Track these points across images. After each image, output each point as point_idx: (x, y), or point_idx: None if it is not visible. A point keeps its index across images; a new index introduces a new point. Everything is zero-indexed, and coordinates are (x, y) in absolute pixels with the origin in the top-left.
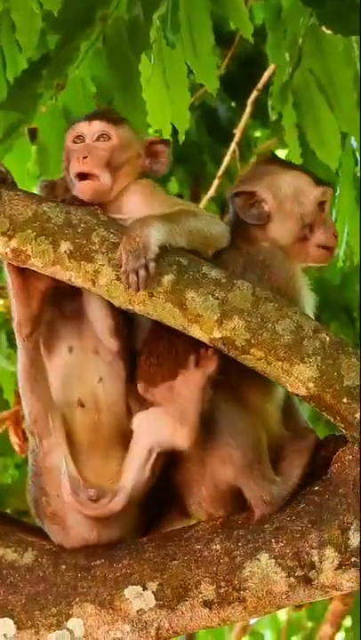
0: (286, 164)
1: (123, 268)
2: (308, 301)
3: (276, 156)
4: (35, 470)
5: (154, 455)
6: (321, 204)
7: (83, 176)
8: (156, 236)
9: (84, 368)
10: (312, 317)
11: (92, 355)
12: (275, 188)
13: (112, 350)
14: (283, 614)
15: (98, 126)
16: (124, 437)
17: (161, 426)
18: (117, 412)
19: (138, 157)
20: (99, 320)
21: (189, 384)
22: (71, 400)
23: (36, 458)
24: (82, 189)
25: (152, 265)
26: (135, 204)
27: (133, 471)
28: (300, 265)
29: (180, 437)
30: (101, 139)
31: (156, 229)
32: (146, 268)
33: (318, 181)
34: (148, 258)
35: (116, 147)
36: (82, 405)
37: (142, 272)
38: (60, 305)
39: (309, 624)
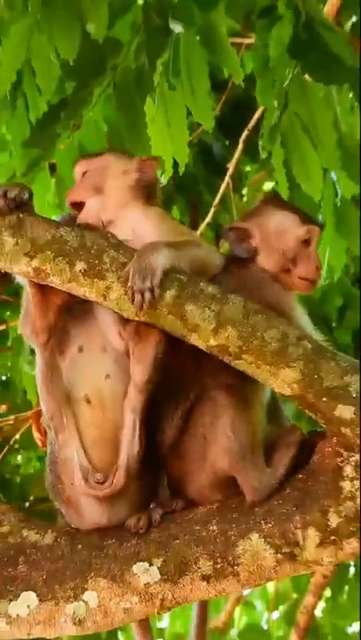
0: (281, 205)
1: (129, 284)
2: (299, 315)
3: (277, 195)
4: (52, 460)
5: (138, 423)
6: (305, 242)
7: (76, 205)
8: (163, 261)
9: (92, 366)
10: (305, 327)
11: (100, 353)
12: (263, 226)
13: (119, 348)
14: (271, 586)
15: (80, 166)
16: None
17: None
18: (122, 407)
19: (124, 174)
20: (107, 321)
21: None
22: (78, 396)
23: (53, 449)
24: (79, 217)
25: (157, 291)
26: (146, 228)
27: (126, 446)
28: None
29: (137, 373)
30: (85, 173)
31: (164, 256)
32: (151, 291)
33: (305, 220)
34: (155, 282)
35: (93, 173)
36: (88, 402)
37: (148, 295)
38: (70, 308)
39: (294, 595)
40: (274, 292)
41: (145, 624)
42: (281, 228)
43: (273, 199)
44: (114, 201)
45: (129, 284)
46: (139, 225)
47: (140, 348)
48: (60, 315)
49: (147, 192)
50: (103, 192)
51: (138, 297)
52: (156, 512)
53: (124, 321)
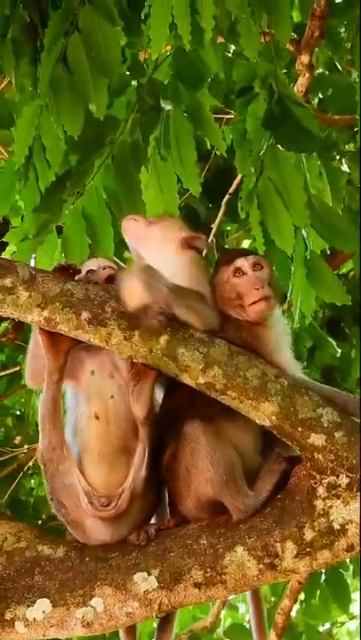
0: (221, 262)
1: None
2: (280, 345)
3: (220, 255)
4: (52, 489)
5: (146, 451)
6: (237, 273)
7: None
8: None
9: (101, 387)
10: (285, 357)
11: (108, 378)
12: (213, 284)
13: (124, 376)
14: None
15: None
16: (128, 449)
17: None
18: (123, 425)
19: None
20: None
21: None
22: (90, 413)
23: (54, 480)
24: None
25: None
26: (175, 266)
27: (133, 471)
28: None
29: (137, 410)
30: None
31: (175, 298)
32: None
33: (229, 260)
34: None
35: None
36: (97, 418)
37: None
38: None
39: (273, 598)
40: (249, 336)
41: (131, 629)
42: (220, 279)
43: (220, 259)
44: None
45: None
46: (170, 261)
47: (138, 388)
48: (68, 356)
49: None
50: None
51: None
52: (152, 527)
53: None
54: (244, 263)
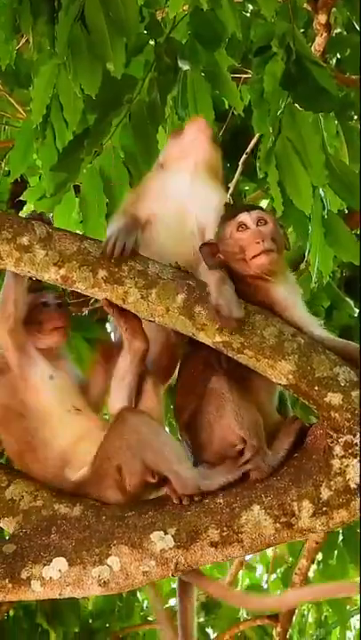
0: (226, 217)
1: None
2: (293, 301)
3: (227, 209)
4: None
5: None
6: (240, 227)
7: None
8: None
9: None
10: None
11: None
12: (220, 239)
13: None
14: (270, 551)
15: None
16: None
17: None
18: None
19: None
20: None
21: None
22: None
23: None
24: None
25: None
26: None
27: None
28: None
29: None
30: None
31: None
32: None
33: (235, 214)
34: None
35: None
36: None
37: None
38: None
39: (290, 559)
40: (259, 294)
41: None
42: (225, 233)
43: (225, 214)
44: None
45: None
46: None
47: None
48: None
49: None
50: None
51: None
52: None
53: None
54: (246, 218)
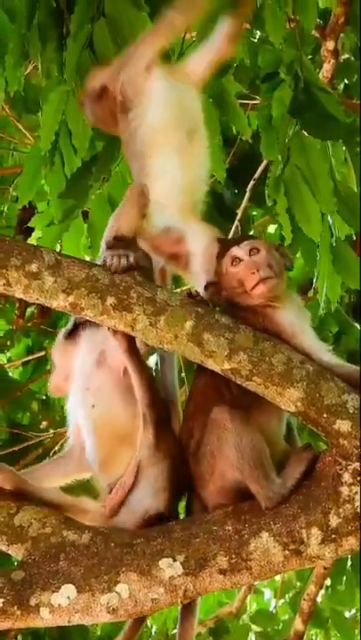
0: (219, 254)
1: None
2: (300, 327)
3: (221, 245)
4: None
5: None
6: (234, 261)
7: None
8: None
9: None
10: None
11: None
12: (221, 277)
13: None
14: (278, 577)
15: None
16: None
17: None
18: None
19: None
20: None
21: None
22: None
23: None
24: None
25: None
26: None
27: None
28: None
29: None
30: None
31: None
32: None
33: (227, 249)
34: None
35: None
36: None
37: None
38: None
39: (299, 584)
40: (266, 321)
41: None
42: (221, 271)
43: (219, 251)
44: None
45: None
46: None
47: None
48: None
49: None
50: None
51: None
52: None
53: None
54: (238, 251)
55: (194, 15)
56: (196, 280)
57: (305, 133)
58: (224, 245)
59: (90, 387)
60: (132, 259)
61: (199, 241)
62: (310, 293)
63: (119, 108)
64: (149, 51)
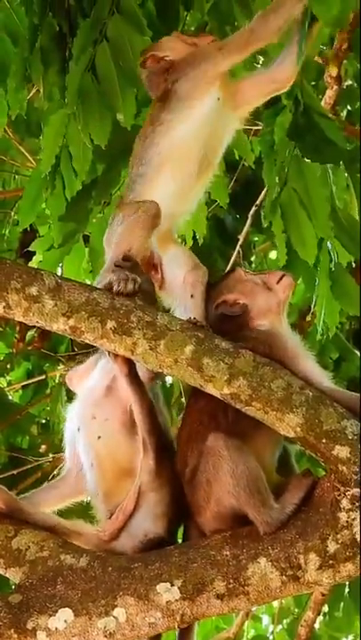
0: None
1: None
2: (299, 352)
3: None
4: None
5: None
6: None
7: None
8: None
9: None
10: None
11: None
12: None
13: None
14: (276, 602)
15: None
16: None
17: None
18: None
19: None
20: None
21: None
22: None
23: None
24: None
25: None
26: None
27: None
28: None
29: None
30: None
31: None
32: None
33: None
34: None
35: None
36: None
37: None
38: None
39: (296, 610)
40: (266, 346)
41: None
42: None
43: (227, 274)
44: None
45: None
46: None
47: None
48: None
49: None
50: None
51: None
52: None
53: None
54: (239, 273)
55: (279, 34)
56: (178, 302)
57: (304, 158)
58: (212, 291)
59: (97, 416)
60: (137, 284)
61: (180, 267)
62: (309, 317)
63: (164, 96)
64: (227, 61)
